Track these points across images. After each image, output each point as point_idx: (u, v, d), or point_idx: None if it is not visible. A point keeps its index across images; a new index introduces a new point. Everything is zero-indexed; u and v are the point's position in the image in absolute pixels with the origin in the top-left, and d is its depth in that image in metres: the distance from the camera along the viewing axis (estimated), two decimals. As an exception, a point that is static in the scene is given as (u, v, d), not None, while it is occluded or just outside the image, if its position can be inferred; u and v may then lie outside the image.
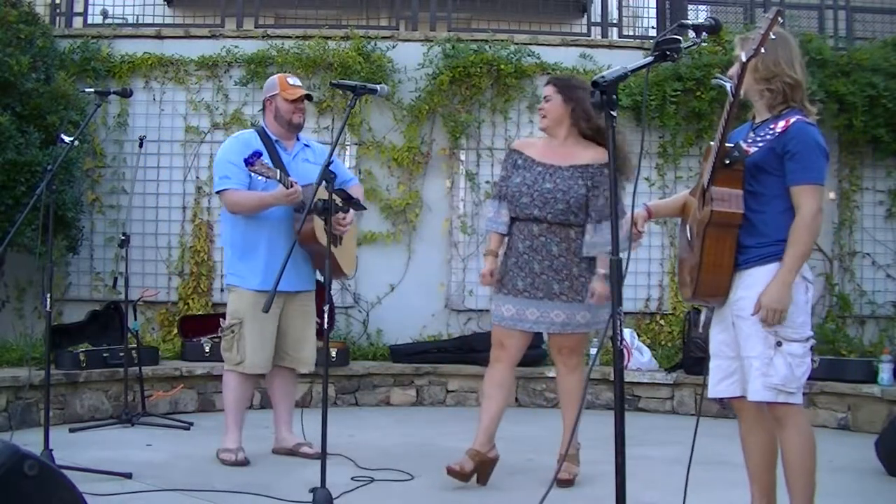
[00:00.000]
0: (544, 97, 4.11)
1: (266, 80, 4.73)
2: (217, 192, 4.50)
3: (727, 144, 2.91)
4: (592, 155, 4.02)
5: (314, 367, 4.70)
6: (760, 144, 2.97)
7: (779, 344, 2.88)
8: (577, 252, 3.96)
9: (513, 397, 4.06)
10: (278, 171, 4.19)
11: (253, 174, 4.12)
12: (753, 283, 2.94)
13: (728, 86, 2.86)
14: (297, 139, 4.64)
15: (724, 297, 3.03)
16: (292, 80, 4.60)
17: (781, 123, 2.96)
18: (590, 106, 4.01)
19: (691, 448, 2.99)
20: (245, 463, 4.33)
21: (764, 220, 2.95)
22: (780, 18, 2.78)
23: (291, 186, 4.23)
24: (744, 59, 2.78)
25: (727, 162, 2.91)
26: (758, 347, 2.90)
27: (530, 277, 4.00)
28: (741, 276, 2.98)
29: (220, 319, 4.61)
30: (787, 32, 3.09)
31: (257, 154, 4.13)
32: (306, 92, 4.57)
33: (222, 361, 4.54)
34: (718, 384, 3.09)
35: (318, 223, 4.41)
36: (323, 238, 4.41)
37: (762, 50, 2.74)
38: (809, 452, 2.92)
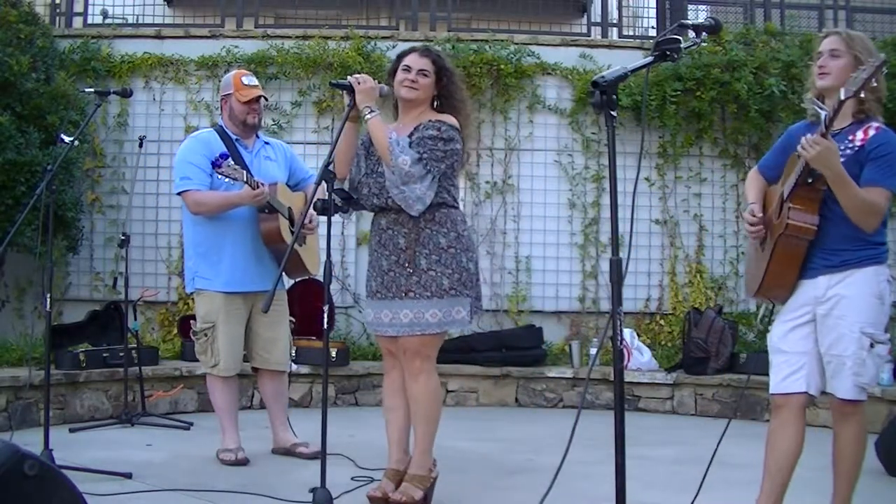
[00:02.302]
0: (420, 70, 3.62)
1: (224, 77, 4.61)
2: (178, 194, 4.36)
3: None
4: (427, 117, 3.61)
5: (290, 366, 4.69)
6: (842, 158, 2.92)
7: (872, 345, 2.91)
8: (426, 242, 3.55)
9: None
10: (245, 172, 4.15)
11: (219, 176, 4.08)
12: (851, 283, 2.95)
13: (823, 114, 2.85)
14: (257, 137, 4.58)
15: (784, 298, 3.09)
16: (247, 79, 4.49)
17: (860, 134, 2.96)
18: (455, 90, 3.71)
19: (713, 450, 3.07)
20: (245, 463, 4.33)
21: (857, 226, 2.93)
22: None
23: (258, 187, 4.19)
24: (843, 97, 2.74)
25: (810, 181, 2.92)
26: (851, 347, 2.92)
27: (381, 276, 3.63)
28: (836, 276, 2.97)
29: (191, 322, 4.56)
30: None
31: (224, 156, 4.09)
32: (260, 93, 4.47)
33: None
34: (785, 379, 3.06)
35: (284, 223, 4.39)
36: (288, 237, 4.38)
37: (861, 94, 2.73)
38: (864, 444, 3.05)
